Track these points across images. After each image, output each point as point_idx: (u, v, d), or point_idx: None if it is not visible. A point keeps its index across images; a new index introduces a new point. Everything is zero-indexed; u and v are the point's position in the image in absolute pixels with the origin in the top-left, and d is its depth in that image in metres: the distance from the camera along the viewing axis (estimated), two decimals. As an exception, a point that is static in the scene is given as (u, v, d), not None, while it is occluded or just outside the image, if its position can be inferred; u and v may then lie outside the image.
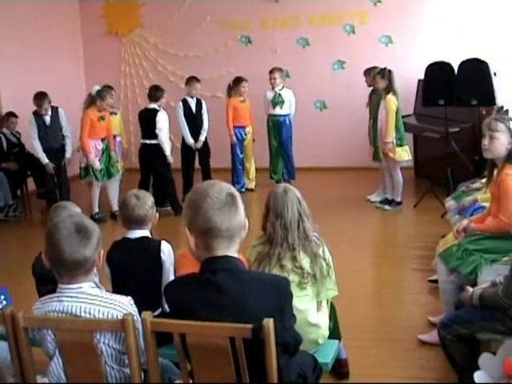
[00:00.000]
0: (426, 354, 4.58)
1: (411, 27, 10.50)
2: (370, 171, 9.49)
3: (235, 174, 10.18)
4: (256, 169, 10.38)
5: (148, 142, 8.94)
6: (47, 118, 8.74)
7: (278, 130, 10.12)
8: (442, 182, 8.25)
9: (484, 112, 8.21)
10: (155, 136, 8.81)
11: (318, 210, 8.33)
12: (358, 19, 10.80)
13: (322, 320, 3.89)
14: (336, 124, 11.10)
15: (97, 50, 12.06)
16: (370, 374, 4.35)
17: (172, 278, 3.94)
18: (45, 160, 8.75)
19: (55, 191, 9.09)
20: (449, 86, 7.95)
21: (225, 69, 11.23)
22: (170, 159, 8.95)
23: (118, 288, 4.03)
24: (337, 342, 4.01)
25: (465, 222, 4.80)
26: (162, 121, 8.85)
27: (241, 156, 10.20)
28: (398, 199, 8.67)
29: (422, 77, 8.59)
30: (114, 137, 9.20)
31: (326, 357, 3.78)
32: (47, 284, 3.64)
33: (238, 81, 9.87)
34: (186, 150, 9.82)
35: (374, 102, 8.61)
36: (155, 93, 8.99)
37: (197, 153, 9.88)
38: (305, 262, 3.76)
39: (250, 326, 2.53)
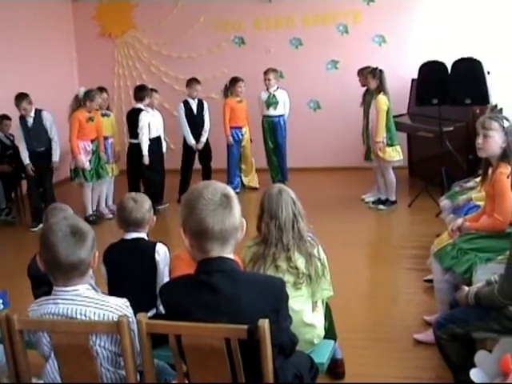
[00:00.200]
0: (421, 353, 4.58)
1: (404, 26, 10.50)
2: (364, 171, 9.49)
3: (230, 174, 10.17)
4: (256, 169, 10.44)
5: (133, 141, 9.05)
6: (29, 121, 8.67)
7: (273, 130, 10.13)
8: (437, 182, 8.24)
9: (478, 111, 8.23)
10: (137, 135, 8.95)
11: (312, 211, 8.32)
12: (351, 19, 10.79)
13: (318, 320, 3.89)
14: (330, 124, 11.10)
15: (90, 51, 12.03)
16: (366, 374, 4.35)
17: (167, 279, 3.94)
18: (26, 161, 8.69)
19: (37, 194, 9.02)
20: (442, 85, 7.96)
21: (218, 70, 11.23)
22: (146, 160, 8.95)
23: (113, 289, 4.05)
24: (332, 342, 4.01)
25: (459, 220, 4.80)
26: (143, 121, 8.90)
27: (237, 156, 10.21)
28: (393, 198, 8.67)
29: (415, 76, 8.59)
30: (106, 138, 9.15)
31: (322, 357, 3.78)
32: (43, 286, 3.63)
33: (234, 81, 9.89)
34: (187, 150, 9.92)
35: (368, 101, 8.62)
36: (139, 93, 9.08)
37: (197, 154, 9.95)
38: (300, 262, 3.77)
39: (246, 326, 2.53)
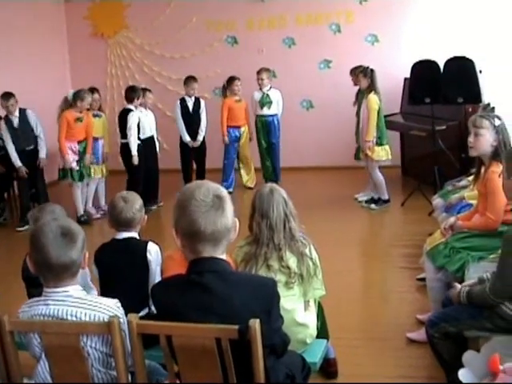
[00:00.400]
0: (414, 352, 4.58)
1: (397, 26, 10.51)
2: (357, 170, 9.48)
3: (225, 174, 10.23)
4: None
5: (124, 141, 9.06)
6: (15, 120, 8.67)
7: (266, 130, 10.13)
8: (429, 181, 8.25)
9: (470, 110, 8.22)
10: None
11: (304, 210, 8.31)
12: (343, 18, 10.79)
13: (310, 320, 3.88)
14: (323, 123, 11.10)
15: (83, 51, 11.99)
16: (359, 373, 4.34)
17: (159, 279, 3.94)
18: (18, 163, 8.69)
19: (27, 194, 9.02)
20: (435, 84, 7.95)
21: (211, 69, 11.22)
22: (135, 160, 8.95)
23: (105, 289, 4.04)
24: (325, 341, 4.01)
25: (452, 219, 4.81)
26: (131, 121, 8.91)
27: (233, 156, 10.26)
28: (385, 197, 8.66)
29: (408, 75, 8.57)
30: (97, 139, 9.15)
31: (314, 356, 3.78)
32: (39, 286, 3.60)
33: (230, 80, 9.95)
34: (183, 148, 9.99)
35: (360, 101, 8.61)
36: (129, 94, 9.11)
37: (193, 153, 10.01)
38: (291, 261, 3.76)
39: (236, 327, 2.53)
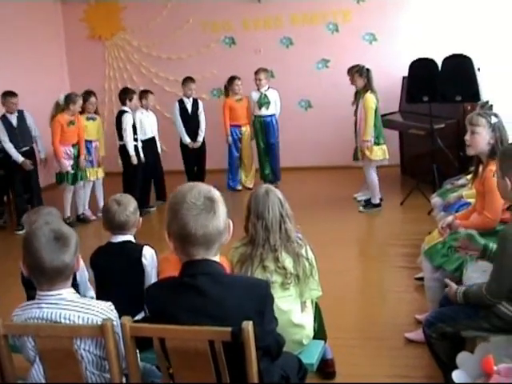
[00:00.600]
0: (412, 352, 4.56)
1: (395, 24, 10.48)
2: (355, 170, 9.40)
3: (230, 173, 10.31)
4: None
5: (121, 143, 9.16)
6: (13, 120, 8.68)
7: (265, 130, 10.11)
8: (428, 179, 8.23)
9: (469, 108, 8.20)
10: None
11: (303, 210, 8.34)
12: (340, 17, 10.76)
13: (307, 320, 3.88)
14: (321, 123, 11.08)
15: (80, 54, 11.96)
16: (356, 373, 4.33)
17: (154, 282, 3.92)
18: (20, 158, 8.68)
19: (23, 197, 9.02)
20: (433, 82, 7.94)
21: (208, 70, 11.21)
22: (134, 160, 9.06)
23: (101, 292, 4.03)
24: (322, 342, 3.99)
25: (449, 218, 4.79)
26: (125, 122, 9.02)
27: (236, 155, 10.27)
28: (376, 201, 8.56)
29: (406, 74, 8.57)
30: (91, 142, 9.14)
31: (311, 357, 3.77)
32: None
33: (231, 79, 9.99)
34: (184, 150, 10.07)
35: (358, 100, 8.57)
36: (121, 95, 9.27)
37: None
38: (287, 262, 3.76)
39: (230, 329, 2.51)
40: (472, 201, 5.12)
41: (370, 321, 5.25)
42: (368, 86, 8.16)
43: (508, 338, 3.35)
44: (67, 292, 2.88)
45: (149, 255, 4.04)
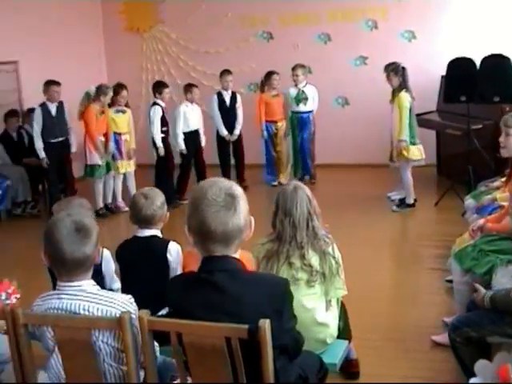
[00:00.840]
0: (438, 355, 4.49)
1: (434, 22, 10.33)
2: (391, 169, 9.31)
3: (266, 168, 10.33)
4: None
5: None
6: (53, 109, 8.78)
7: (301, 127, 10.07)
8: (464, 180, 8.10)
9: (507, 109, 8.03)
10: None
11: (336, 208, 8.34)
12: (379, 14, 10.64)
13: (331, 319, 3.86)
14: (358, 121, 10.98)
15: (118, 46, 12.03)
16: (381, 374, 4.28)
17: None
18: (42, 154, 8.77)
19: (57, 187, 9.16)
20: (471, 82, 7.80)
21: (246, 64, 11.17)
22: (162, 151, 9.20)
23: (126, 285, 4.04)
24: (346, 342, 3.97)
25: (481, 221, 4.71)
26: (152, 115, 9.16)
27: (271, 151, 10.24)
28: (410, 201, 8.45)
29: (445, 73, 8.43)
30: (120, 135, 9.17)
31: (334, 357, 3.75)
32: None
33: (269, 74, 9.97)
34: (220, 143, 10.12)
35: (394, 99, 8.46)
36: (152, 88, 9.48)
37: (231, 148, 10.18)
38: (314, 259, 3.76)
39: (246, 326, 2.49)
40: (506, 204, 5.03)
41: (396, 322, 5.19)
42: (403, 85, 8.05)
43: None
44: (87, 284, 2.89)
45: (174, 251, 4.03)
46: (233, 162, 10.31)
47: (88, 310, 2.82)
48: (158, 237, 4.12)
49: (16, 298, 4.13)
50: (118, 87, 9.15)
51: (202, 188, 2.60)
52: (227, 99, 9.99)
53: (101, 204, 9.08)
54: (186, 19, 11.56)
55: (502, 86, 7.63)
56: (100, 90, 8.75)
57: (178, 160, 9.65)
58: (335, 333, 3.89)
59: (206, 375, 2.66)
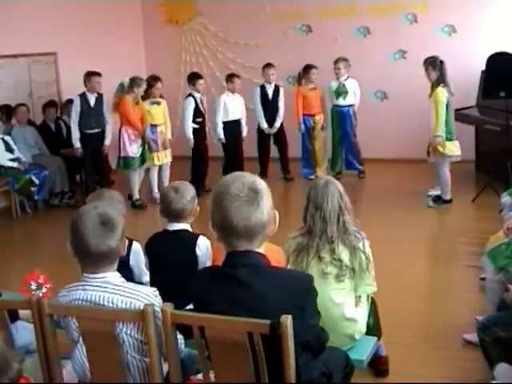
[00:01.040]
0: (469, 354, 4.43)
1: (475, 16, 10.14)
2: (429, 164, 9.19)
3: (303, 162, 10.29)
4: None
5: (194, 126, 9.42)
6: (92, 100, 8.88)
7: (341, 120, 10.01)
8: (502, 177, 7.98)
9: (549, 105, 7.92)
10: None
11: (372, 202, 8.26)
12: (420, 8, 10.48)
13: (360, 315, 3.85)
14: (397, 115, 10.86)
15: (157, 38, 12.07)
16: (409, 372, 4.24)
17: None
18: (77, 144, 8.89)
19: (93, 177, 9.31)
20: (511, 77, 7.68)
21: (285, 57, 11.08)
22: (191, 143, 9.36)
23: (154, 278, 4.03)
24: (374, 338, 3.94)
25: (515, 219, 4.63)
26: (184, 106, 9.37)
27: (308, 144, 10.20)
28: (446, 197, 8.33)
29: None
30: (155, 126, 9.17)
31: (362, 353, 3.73)
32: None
33: (307, 68, 9.93)
34: (260, 136, 10.16)
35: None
36: (188, 80, 9.64)
37: (273, 141, 10.24)
38: (344, 254, 3.76)
39: (268, 321, 2.47)
40: (543, 202, 4.95)
41: (428, 319, 5.14)
42: (441, 79, 7.92)
43: None
44: (112, 276, 2.90)
45: (203, 245, 4.01)
46: (273, 155, 10.33)
47: (112, 302, 2.83)
48: (188, 231, 4.10)
49: (47, 287, 4.18)
50: (153, 79, 9.19)
51: (224, 183, 2.59)
52: (270, 92, 10.02)
53: (137, 195, 9.13)
54: (224, 12, 11.55)
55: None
56: (134, 81, 8.81)
57: (214, 152, 9.69)
58: (364, 329, 3.87)
59: (227, 369, 2.66)
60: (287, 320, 2.45)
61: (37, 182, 8.96)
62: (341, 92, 9.84)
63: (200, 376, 3.14)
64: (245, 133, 9.86)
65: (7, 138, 8.92)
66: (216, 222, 2.58)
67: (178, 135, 10.23)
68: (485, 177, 8.96)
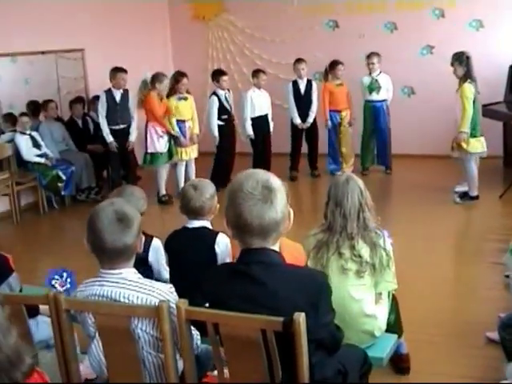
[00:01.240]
0: (492, 352, 4.37)
1: (503, 11, 9.98)
2: (456, 160, 9.11)
3: (330, 157, 10.25)
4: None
5: (219, 123, 9.45)
6: (117, 96, 8.91)
7: (374, 116, 9.97)
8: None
9: None
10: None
11: (400, 198, 8.21)
12: (447, 3, 10.36)
13: (380, 312, 3.82)
14: (424, 111, 10.77)
15: (184, 34, 12.06)
16: (431, 371, 4.22)
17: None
18: (110, 138, 8.92)
19: (119, 175, 9.36)
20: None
21: (311, 53, 11.02)
22: (216, 140, 9.42)
23: (174, 276, 4.03)
24: (395, 336, 3.92)
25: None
26: (208, 106, 9.42)
27: (334, 140, 10.16)
28: (473, 193, 8.23)
29: (512, 63, 8.24)
30: (183, 121, 9.16)
31: (382, 351, 3.71)
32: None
33: (334, 64, 9.90)
34: (293, 130, 10.15)
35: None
36: (212, 76, 9.68)
37: (304, 135, 10.20)
38: (364, 250, 3.75)
39: (281, 319, 2.47)
40: None
41: (451, 317, 5.10)
42: (467, 75, 7.83)
43: None
44: (128, 272, 2.92)
45: (222, 243, 3.99)
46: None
47: (128, 298, 2.85)
48: (207, 228, 4.09)
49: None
50: (179, 75, 9.16)
51: (238, 180, 2.58)
52: (302, 87, 10.00)
53: (163, 191, 9.15)
54: (251, 7, 11.52)
55: None
56: (155, 77, 8.84)
57: (242, 148, 9.73)
58: (384, 326, 3.84)
59: (241, 366, 2.67)
60: (300, 317, 2.44)
61: (64, 177, 9.01)
62: (374, 87, 9.78)
63: (216, 372, 3.14)
64: (271, 128, 9.85)
65: (34, 133, 8.97)
66: (230, 220, 2.58)
67: (205, 131, 10.25)
68: (514, 173, 8.87)
